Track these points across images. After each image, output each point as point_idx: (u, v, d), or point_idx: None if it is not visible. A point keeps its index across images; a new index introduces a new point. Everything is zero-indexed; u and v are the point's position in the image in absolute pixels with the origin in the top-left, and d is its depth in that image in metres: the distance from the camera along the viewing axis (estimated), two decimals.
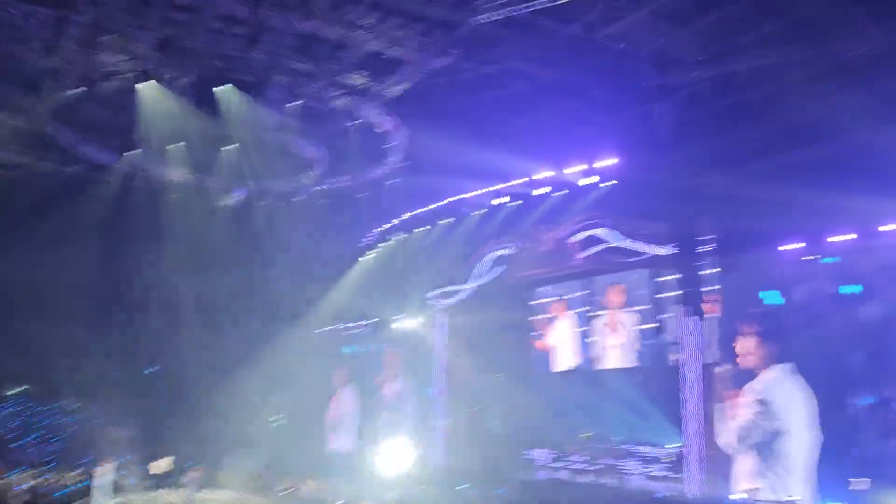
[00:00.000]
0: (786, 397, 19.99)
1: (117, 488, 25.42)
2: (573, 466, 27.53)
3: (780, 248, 19.56)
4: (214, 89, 22.36)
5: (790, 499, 18.50)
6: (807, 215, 17.81)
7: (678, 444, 23.31)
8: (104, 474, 22.74)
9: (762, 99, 18.88)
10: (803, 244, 19.29)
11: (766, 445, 20.01)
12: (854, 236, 18.17)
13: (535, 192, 27.03)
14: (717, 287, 21.13)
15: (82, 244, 32.92)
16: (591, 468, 26.90)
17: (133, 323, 37.17)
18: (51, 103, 24.32)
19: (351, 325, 38.44)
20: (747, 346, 20.22)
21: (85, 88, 22.03)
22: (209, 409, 34.37)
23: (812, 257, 19.18)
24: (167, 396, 36.32)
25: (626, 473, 25.39)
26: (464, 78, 24.94)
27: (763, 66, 18.51)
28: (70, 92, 22.83)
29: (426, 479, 27.90)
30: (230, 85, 22.16)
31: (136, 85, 22.62)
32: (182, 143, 27.12)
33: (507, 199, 28.33)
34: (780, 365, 19.95)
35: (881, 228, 17.49)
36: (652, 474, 25.42)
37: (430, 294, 32.89)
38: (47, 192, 31.40)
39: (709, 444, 20.91)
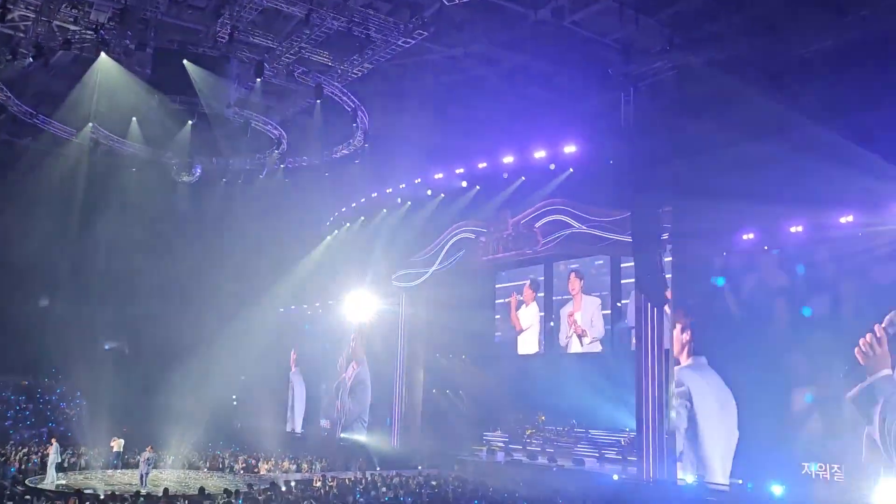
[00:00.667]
0: (696, 387, 20.72)
1: (70, 466, 25.13)
2: (530, 448, 27.97)
3: (733, 238, 19.96)
4: (175, 63, 21.86)
5: (736, 482, 19.00)
6: (760, 207, 18.12)
7: (632, 429, 23.79)
8: (56, 452, 22.44)
9: (722, 91, 19.10)
10: (754, 235, 19.70)
11: (687, 429, 20.74)
12: (800, 228, 18.60)
13: (498, 177, 27.21)
14: (672, 275, 21.52)
15: (37, 218, 32.27)
16: (548, 450, 27.36)
17: (89, 300, 36.59)
18: (4, 72, 23.64)
19: (314, 305, 38.39)
20: (675, 334, 20.87)
21: (41, 58, 21.37)
22: (166, 388, 34.07)
23: (764, 248, 19.59)
24: (124, 374, 35.89)
25: (581, 456, 25.88)
26: (429, 60, 24.83)
27: (723, 59, 18.72)
28: (25, 61, 22.18)
29: (384, 459, 28.09)
30: (191, 59, 21.69)
31: (95, 56, 22.05)
32: (141, 118, 26.59)
33: (468, 183, 28.53)
34: (695, 357, 20.60)
35: (835, 221, 17.90)
36: (607, 457, 25.93)
37: (392, 276, 32.99)
38: (1, 164, 30.66)
39: (662, 429, 21.39)
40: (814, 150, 16.89)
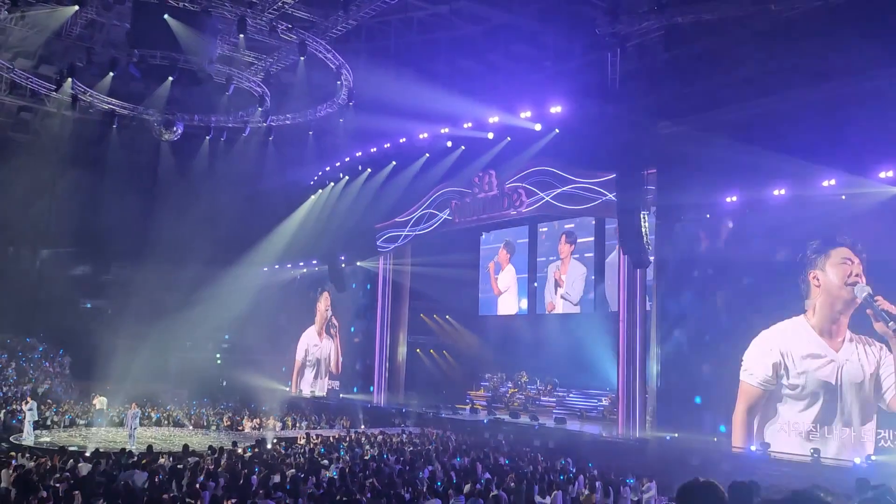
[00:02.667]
0: None
1: (54, 424, 25.18)
2: (512, 407, 28.31)
3: (717, 200, 20.02)
4: (155, 17, 21.38)
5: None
6: (745, 169, 18.13)
7: (613, 388, 24.11)
8: (32, 409, 22.45)
9: (709, 53, 18.97)
10: (737, 197, 19.76)
11: None
12: (783, 191, 18.66)
13: (483, 137, 27.02)
14: (655, 236, 21.61)
15: (17, 175, 31.80)
16: (530, 409, 27.71)
17: (72, 256, 36.31)
18: None
19: (298, 265, 38.29)
20: None
21: (16, 10, 20.88)
22: (151, 345, 34.01)
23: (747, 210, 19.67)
24: (107, 332, 35.77)
25: (562, 414, 26.24)
26: (414, 17, 24.49)
27: (711, 20, 18.56)
28: (1, 13, 21.64)
29: (368, 419, 28.34)
30: (172, 13, 21.23)
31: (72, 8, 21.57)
32: (126, 74, 26.08)
33: (453, 143, 28.32)
34: None
35: (817, 184, 17.96)
36: (588, 416, 26.32)
37: (376, 236, 32.92)
38: None
39: (643, 388, 21.68)
40: (799, 113, 16.88)
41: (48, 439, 22.18)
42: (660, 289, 21.67)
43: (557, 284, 29.37)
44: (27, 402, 22.98)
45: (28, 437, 21.69)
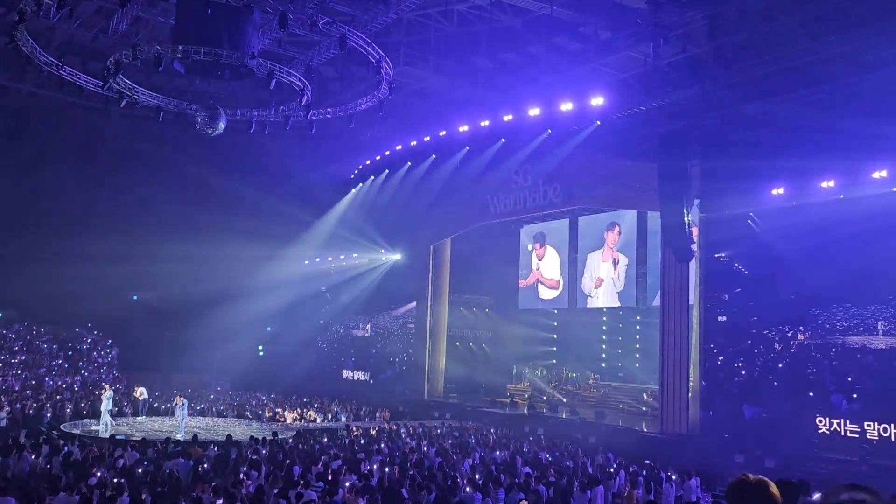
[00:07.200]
0: None
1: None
2: (552, 401, 28.17)
3: (762, 192, 19.61)
4: (198, 13, 21.61)
5: None
6: (791, 161, 17.73)
7: (655, 383, 23.84)
8: (108, 398, 22.87)
9: (755, 43, 18.55)
10: (784, 189, 19.31)
11: None
12: (832, 184, 18.19)
13: (523, 129, 26.81)
14: (699, 229, 21.26)
15: (64, 171, 32.54)
16: (571, 403, 27.54)
17: (119, 249, 37.01)
18: (29, 24, 23.56)
19: (339, 257, 38.58)
20: None
21: (64, 8, 21.27)
22: (194, 337, 34.60)
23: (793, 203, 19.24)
24: (152, 323, 36.47)
25: (603, 409, 26.02)
26: (454, 10, 24.37)
27: (756, 8, 18.14)
28: (50, 12, 22.07)
29: (407, 412, 28.44)
30: (214, 9, 21.42)
31: (119, 6, 21.91)
32: (170, 69, 26.45)
33: (493, 136, 28.16)
34: None
35: (867, 177, 17.48)
36: (629, 410, 26.07)
37: (417, 230, 32.97)
38: (26, 115, 30.75)
39: (685, 383, 21.39)
40: (849, 103, 16.44)
41: (97, 428, 22.67)
42: (703, 282, 21.33)
43: (596, 275, 29.10)
44: (105, 391, 23.29)
45: (105, 426, 21.99)
